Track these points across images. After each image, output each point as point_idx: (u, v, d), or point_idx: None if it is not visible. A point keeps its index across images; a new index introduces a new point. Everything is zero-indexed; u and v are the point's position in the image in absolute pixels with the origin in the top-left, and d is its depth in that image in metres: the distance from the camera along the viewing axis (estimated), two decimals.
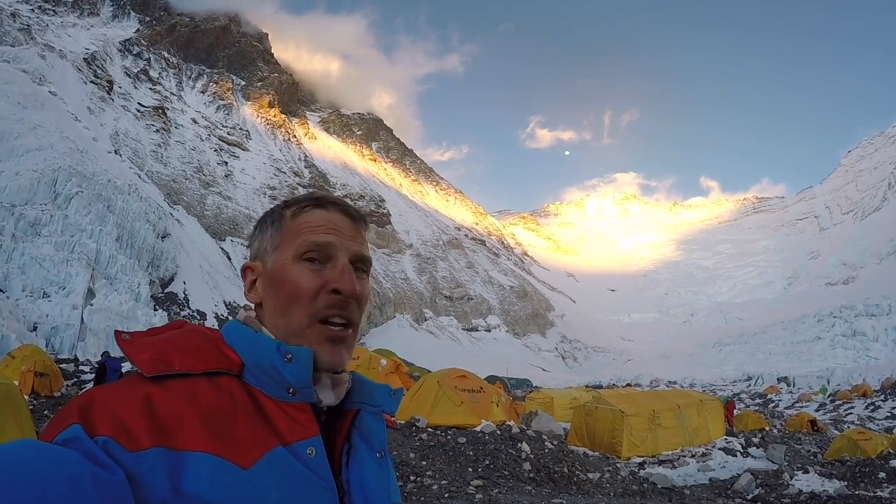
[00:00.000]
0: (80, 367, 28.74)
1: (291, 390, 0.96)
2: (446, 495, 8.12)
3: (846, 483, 12.72)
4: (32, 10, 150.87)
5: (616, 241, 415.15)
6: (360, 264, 1.10)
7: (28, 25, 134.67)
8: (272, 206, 0.97)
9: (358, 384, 1.12)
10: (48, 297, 47.72)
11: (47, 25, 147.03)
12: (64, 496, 0.70)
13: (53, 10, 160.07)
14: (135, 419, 0.84)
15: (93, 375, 21.86)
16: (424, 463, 9.47)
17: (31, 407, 13.57)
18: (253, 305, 1.12)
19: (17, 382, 15.08)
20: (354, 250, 1.09)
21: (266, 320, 1.08)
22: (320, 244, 1.06)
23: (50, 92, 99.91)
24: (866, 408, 41.18)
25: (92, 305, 49.22)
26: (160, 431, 0.84)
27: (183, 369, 0.92)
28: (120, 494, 0.76)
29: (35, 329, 43.29)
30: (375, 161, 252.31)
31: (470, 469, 9.50)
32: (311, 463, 0.94)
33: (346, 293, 1.04)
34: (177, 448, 0.83)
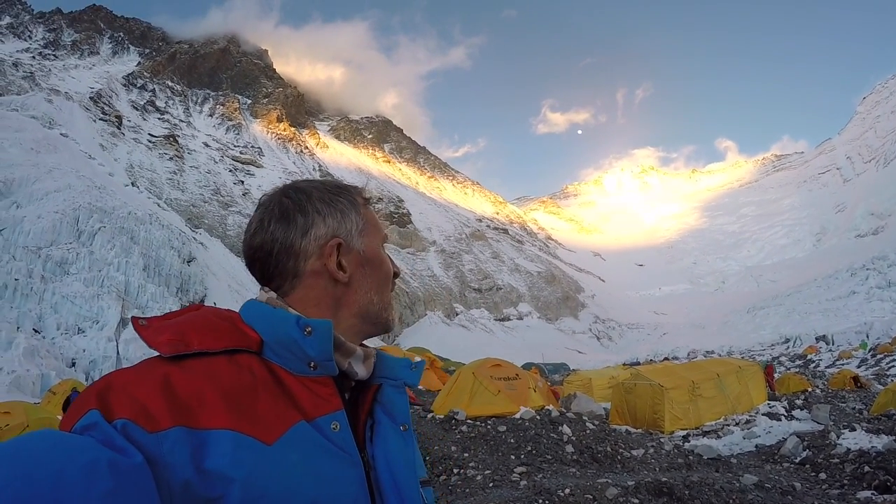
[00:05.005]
0: None
1: (312, 364, 0.97)
2: (491, 485, 8.09)
3: (894, 437, 12.47)
4: (33, 57, 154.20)
5: (639, 216, 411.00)
6: None
7: (31, 73, 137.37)
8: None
9: (379, 359, 1.13)
10: (83, 332, 48.66)
11: (50, 70, 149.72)
12: (78, 485, 0.69)
13: (54, 55, 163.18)
14: (154, 400, 0.83)
15: None
16: (466, 455, 9.44)
17: None
18: (270, 290, 1.11)
19: (59, 417, 15.30)
20: None
21: (355, 297, 1.11)
22: (385, 238, 1.23)
23: (61, 134, 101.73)
24: None
25: (126, 336, 50.05)
26: (181, 411, 0.83)
27: (201, 348, 0.92)
28: (138, 478, 0.75)
29: (73, 364, 44.17)
30: (389, 162, 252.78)
31: (512, 457, 9.45)
32: (335, 437, 0.94)
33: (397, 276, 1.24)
34: (199, 427, 0.83)
